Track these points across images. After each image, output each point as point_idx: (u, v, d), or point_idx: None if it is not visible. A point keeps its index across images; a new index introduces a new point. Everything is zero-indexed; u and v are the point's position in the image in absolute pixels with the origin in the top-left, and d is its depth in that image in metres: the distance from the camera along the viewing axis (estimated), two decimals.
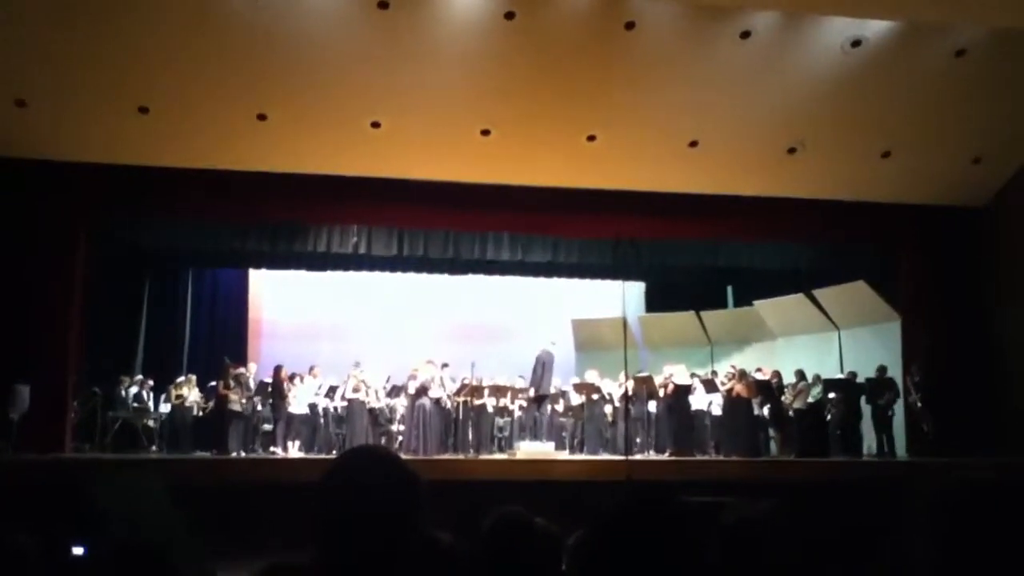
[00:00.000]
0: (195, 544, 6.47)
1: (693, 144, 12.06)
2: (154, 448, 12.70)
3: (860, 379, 12.43)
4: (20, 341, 11.12)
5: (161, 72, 10.52)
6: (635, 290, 17.07)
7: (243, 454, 11.56)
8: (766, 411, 12.70)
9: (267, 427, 12.45)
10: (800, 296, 14.57)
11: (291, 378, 12.36)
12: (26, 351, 11.13)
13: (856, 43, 10.59)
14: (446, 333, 16.09)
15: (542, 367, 12.10)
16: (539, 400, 12.32)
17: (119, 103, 10.92)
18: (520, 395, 12.63)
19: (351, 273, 15.40)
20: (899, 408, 12.39)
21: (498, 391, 12.49)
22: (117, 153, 11.62)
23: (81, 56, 10.24)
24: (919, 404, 12.24)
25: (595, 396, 12.56)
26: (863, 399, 12.30)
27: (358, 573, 1.53)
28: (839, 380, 12.63)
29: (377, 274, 15.44)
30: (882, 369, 12.38)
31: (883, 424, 12.15)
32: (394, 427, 12.86)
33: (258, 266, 15.73)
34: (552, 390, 12.86)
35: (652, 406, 12.71)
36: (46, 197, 11.57)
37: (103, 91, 10.73)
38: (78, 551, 4.99)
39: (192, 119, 11.20)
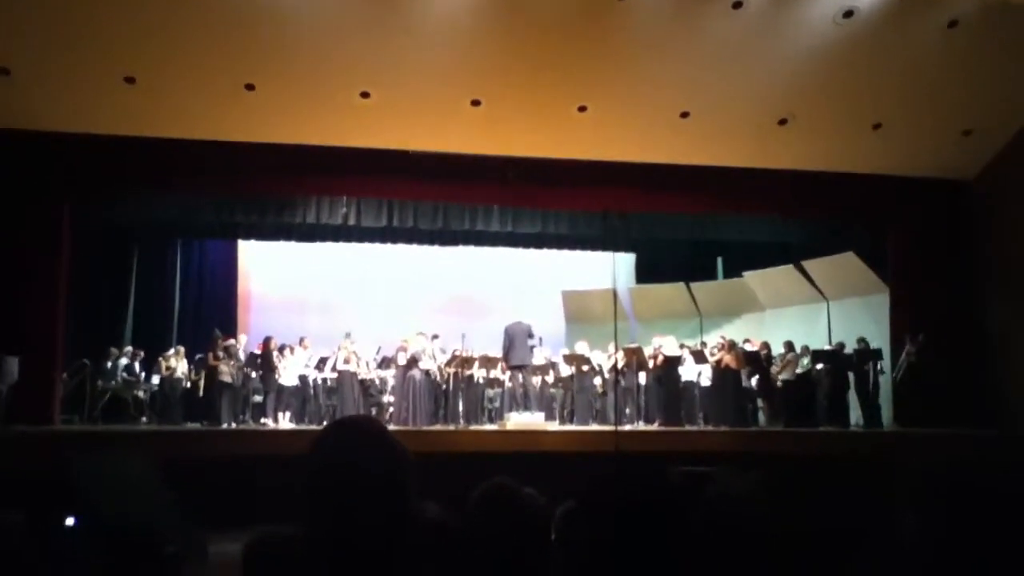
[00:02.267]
0: (185, 515, 6.49)
1: (684, 115, 12.02)
2: (144, 420, 12.71)
3: (848, 350, 12.51)
4: (8, 312, 11.08)
5: (148, 42, 10.38)
6: (625, 262, 17.09)
7: (233, 425, 11.57)
8: (754, 382, 12.78)
9: (257, 398, 12.47)
10: (789, 268, 14.62)
11: (281, 349, 12.38)
12: (14, 323, 11.09)
13: (848, 14, 10.53)
14: (436, 304, 16.10)
15: (510, 339, 12.13)
16: (516, 370, 12.33)
17: (105, 73, 10.79)
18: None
19: (340, 244, 15.38)
20: (885, 380, 12.49)
21: (488, 362, 12.53)
22: (103, 124, 11.52)
23: (66, 25, 10.08)
24: (908, 374, 12.30)
25: (585, 367, 12.62)
26: (851, 370, 12.38)
27: (346, 544, 1.53)
28: (827, 351, 12.71)
29: (367, 246, 15.40)
30: (863, 340, 12.45)
31: (869, 395, 12.25)
32: (384, 398, 12.90)
33: (247, 237, 15.66)
34: (543, 360, 12.92)
35: (642, 377, 12.77)
36: (31, 168, 11.49)
37: (89, 61, 10.59)
38: (70, 522, 4.99)
39: (179, 89, 11.08)
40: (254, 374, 12.40)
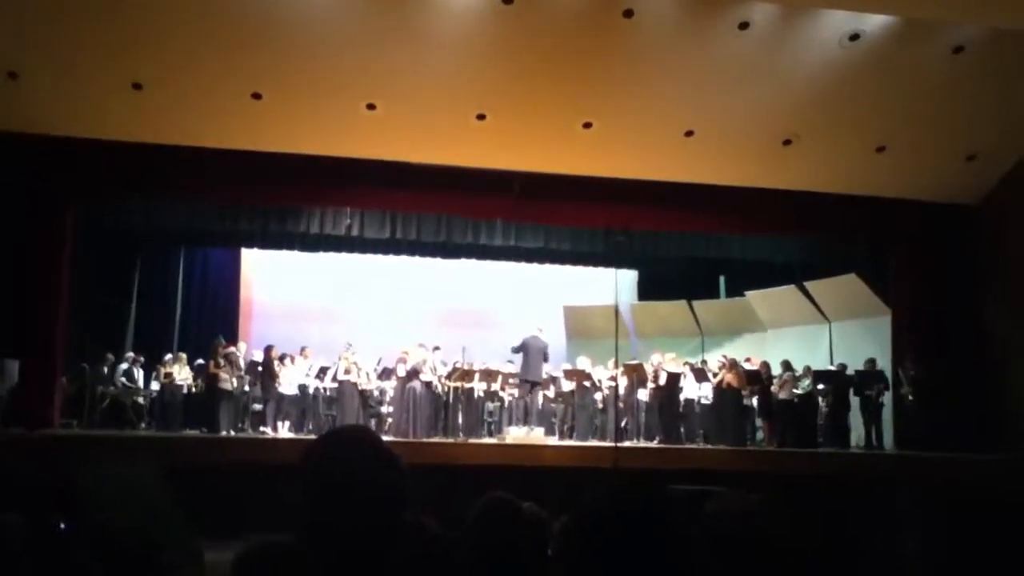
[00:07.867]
0: (182, 523, 6.46)
1: (689, 134, 12.05)
2: (143, 426, 12.69)
3: (850, 371, 12.49)
4: (9, 316, 11.07)
5: (156, 48, 10.43)
6: (627, 278, 17.07)
7: (233, 433, 11.56)
8: (755, 401, 12.76)
9: (257, 407, 12.45)
10: (792, 288, 14.61)
11: (281, 358, 12.37)
12: (15, 325, 11.08)
13: (854, 37, 10.57)
14: (437, 317, 16.09)
15: (526, 351, 12.16)
16: (530, 386, 12.36)
17: (113, 78, 10.83)
18: (510, 380, 12.67)
19: (343, 255, 15.40)
20: (887, 401, 12.47)
21: (488, 376, 12.52)
22: (109, 129, 11.55)
23: (75, 30, 10.14)
24: (910, 397, 12.27)
25: (586, 383, 12.60)
26: (852, 391, 12.35)
27: (339, 553, 1.53)
28: (829, 372, 12.68)
29: (369, 257, 15.41)
30: (871, 361, 12.44)
31: (871, 417, 12.22)
32: (384, 409, 12.88)
33: (250, 246, 15.67)
34: (544, 376, 12.91)
35: (642, 394, 12.75)
36: (37, 171, 11.50)
37: (97, 66, 10.64)
38: (65, 527, 4.98)
39: (186, 96, 11.12)
40: (251, 385, 12.38)
